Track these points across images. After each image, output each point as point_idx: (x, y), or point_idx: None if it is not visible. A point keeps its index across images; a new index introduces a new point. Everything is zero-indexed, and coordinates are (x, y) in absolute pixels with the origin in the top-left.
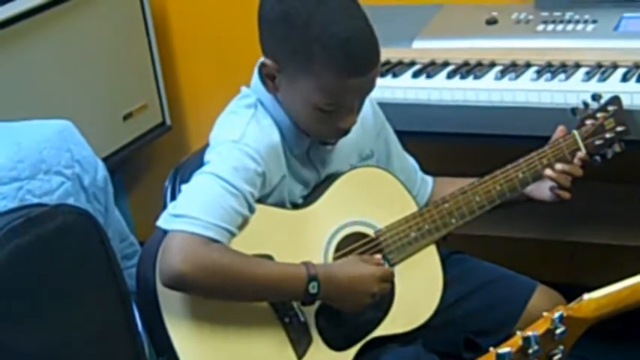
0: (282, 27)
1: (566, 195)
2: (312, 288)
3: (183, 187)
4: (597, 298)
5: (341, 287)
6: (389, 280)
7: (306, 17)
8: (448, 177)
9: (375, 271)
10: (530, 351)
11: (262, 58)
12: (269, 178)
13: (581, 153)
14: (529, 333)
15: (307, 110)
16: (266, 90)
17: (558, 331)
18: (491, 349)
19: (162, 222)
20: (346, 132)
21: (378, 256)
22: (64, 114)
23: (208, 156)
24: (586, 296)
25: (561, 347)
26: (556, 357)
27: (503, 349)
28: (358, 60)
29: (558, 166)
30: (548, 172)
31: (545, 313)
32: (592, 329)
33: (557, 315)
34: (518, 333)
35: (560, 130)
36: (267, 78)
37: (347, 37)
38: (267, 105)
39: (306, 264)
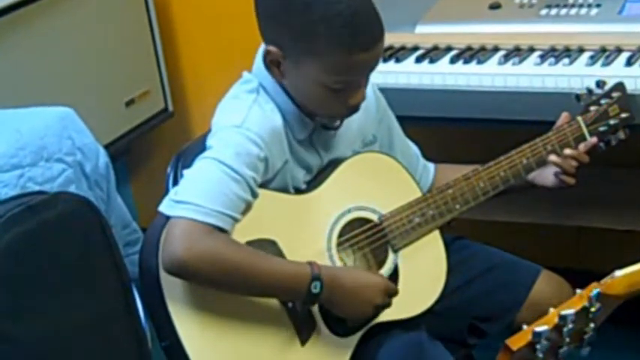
0: (283, 12)
1: (571, 181)
2: (315, 288)
3: (185, 172)
4: (629, 274)
5: (344, 291)
6: (393, 294)
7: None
8: (450, 163)
9: (380, 281)
10: (565, 329)
11: (265, 46)
12: (271, 162)
13: (591, 140)
14: (565, 311)
15: (317, 91)
16: (270, 76)
17: (593, 308)
18: (525, 326)
19: (165, 207)
20: (356, 109)
21: (383, 272)
22: (66, 101)
23: (210, 141)
24: (618, 273)
25: (592, 325)
26: (587, 335)
27: (540, 327)
28: (363, 35)
29: (567, 151)
30: (552, 157)
31: (579, 291)
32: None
33: (594, 293)
34: (552, 310)
35: (565, 116)
36: (273, 65)
37: (350, 14)
38: (270, 89)
39: (310, 263)
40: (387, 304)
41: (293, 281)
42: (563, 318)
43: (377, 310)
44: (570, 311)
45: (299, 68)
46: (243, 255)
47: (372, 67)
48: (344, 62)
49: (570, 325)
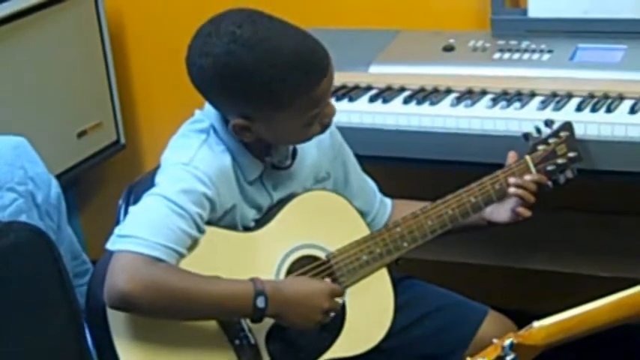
0: (234, 88)
1: (527, 213)
2: (260, 302)
3: (131, 208)
4: (547, 326)
5: (290, 302)
6: (338, 296)
7: (249, 66)
8: (406, 200)
9: (323, 286)
10: None
11: (231, 121)
12: (219, 202)
13: (535, 175)
14: None
15: (296, 131)
16: (221, 119)
17: (508, 358)
18: None
19: (109, 244)
20: (330, 123)
21: (328, 279)
22: (19, 130)
23: (158, 178)
24: (536, 324)
25: None
26: None
27: None
28: (314, 67)
29: (527, 177)
30: (512, 189)
31: (496, 340)
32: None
33: (507, 343)
34: (468, 359)
35: (512, 156)
36: (243, 131)
37: (293, 57)
38: (220, 131)
39: (253, 279)
40: (335, 306)
41: (238, 299)
42: None
43: (327, 315)
44: None
45: (271, 124)
46: (185, 279)
47: (332, 82)
48: (311, 99)
49: None
